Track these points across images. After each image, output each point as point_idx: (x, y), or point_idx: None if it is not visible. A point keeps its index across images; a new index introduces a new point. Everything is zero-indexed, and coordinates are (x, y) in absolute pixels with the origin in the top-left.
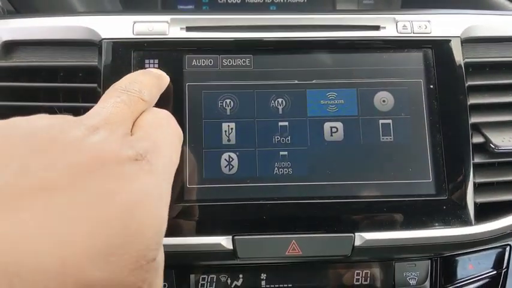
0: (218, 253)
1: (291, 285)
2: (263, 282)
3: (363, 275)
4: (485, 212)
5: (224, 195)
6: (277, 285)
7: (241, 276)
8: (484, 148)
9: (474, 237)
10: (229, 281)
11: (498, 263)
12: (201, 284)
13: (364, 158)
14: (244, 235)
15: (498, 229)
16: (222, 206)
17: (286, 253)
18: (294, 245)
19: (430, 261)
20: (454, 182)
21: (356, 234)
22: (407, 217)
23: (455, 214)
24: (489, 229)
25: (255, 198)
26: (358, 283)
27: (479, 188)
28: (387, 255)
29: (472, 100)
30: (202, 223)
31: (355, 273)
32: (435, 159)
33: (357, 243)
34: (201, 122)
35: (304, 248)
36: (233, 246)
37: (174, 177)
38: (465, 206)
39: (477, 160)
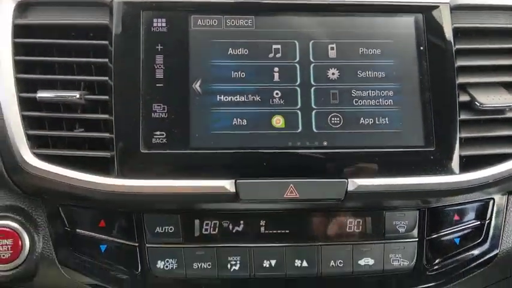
0: (222, 195)
1: (288, 231)
2: (262, 228)
3: (355, 224)
4: (471, 165)
5: (228, 143)
6: (275, 231)
7: (242, 222)
8: (470, 106)
9: (458, 185)
10: (230, 227)
11: (482, 215)
12: (205, 228)
13: (358, 111)
14: (246, 179)
15: (480, 178)
16: (225, 153)
17: (285, 196)
18: (291, 189)
19: (418, 211)
20: (441, 135)
21: (349, 180)
22: (397, 165)
23: (441, 164)
24: (472, 178)
25: (256, 147)
26: (350, 230)
27: (465, 142)
28: (378, 200)
29: (460, 62)
30: (208, 168)
31: (348, 221)
32: (425, 114)
33: (350, 188)
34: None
35: (301, 192)
36: (236, 190)
37: (180, 125)
38: (450, 157)
39: (463, 117)
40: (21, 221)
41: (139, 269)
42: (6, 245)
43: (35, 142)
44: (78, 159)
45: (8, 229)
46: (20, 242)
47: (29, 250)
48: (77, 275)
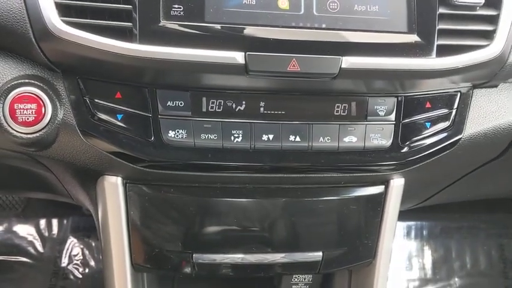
0: (232, 66)
1: (284, 112)
2: (262, 109)
3: (342, 107)
4: (446, 53)
5: (239, 19)
6: (273, 112)
7: (244, 102)
8: (448, 2)
9: (434, 67)
10: (234, 106)
11: (450, 104)
12: (211, 106)
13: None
14: (254, 52)
15: (452, 63)
16: (236, 28)
17: (288, 69)
18: (294, 63)
19: (396, 98)
20: (422, 24)
21: (343, 57)
22: (383, 47)
23: (421, 48)
24: (445, 63)
25: (264, 24)
26: (338, 113)
27: (442, 32)
28: (365, 80)
29: None
30: (220, 41)
31: (336, 105)
32: (409, 6)
33: (344, 65)
34: None
35: (301, 65)
36: (245, 61)
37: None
38: (429, 44)
39: (441, 11)
40: (44, 88)
41: (153, 138)
42: (31, 109)
43: (61, 11)
44: (102, 28)
45: (32, 94)
46: (43, 108)
47: (51, 116)
48: (96, 141)
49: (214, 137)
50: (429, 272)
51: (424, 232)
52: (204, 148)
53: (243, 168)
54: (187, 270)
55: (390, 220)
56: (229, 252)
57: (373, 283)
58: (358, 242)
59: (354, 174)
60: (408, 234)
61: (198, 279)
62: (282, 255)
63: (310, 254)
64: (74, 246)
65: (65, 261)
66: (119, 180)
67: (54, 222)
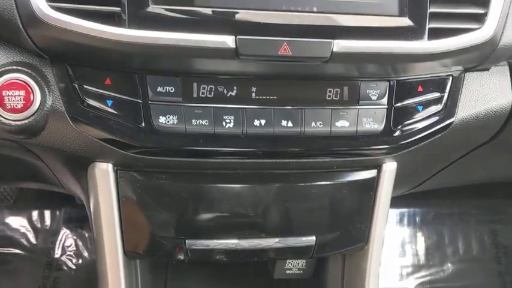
0: (223, 51)
1: (276, 97)
2: (253, 94)
3: (334, 92)
4: (437, 36)
5: (229, 3)
6: (265, 97)
7: (235, 87)
8: None
9: (426, 50)
10: (225, 91)
11: (441, 88)
12: (202, 92)
13: None
14: (245, 36)
15: (444, 46)
16: (227, 12)
17: (279, 52)
18: (285, 46)
19: (388, 82)
20: (413, 8)
21: (335, 41)
22: (375, 30)
23: (412, 31)
24: (437, 46)
25: (254, 7)
26: (329, 98)
27: (434, 16)
28: (357, 64)
29: None
30: (211, 25)
31: (328, 90)
32: None
33: (335, 49)
34: None
35: (292, 49)
36: (235, 45)
37: None
38: (420, 27)
39: None
40: (32, 74)
41: (143, 124)
42: (19, 95)
43: None
44: (90, 13)
45: (20, 81)
46: (31, 94)
47: (40, 102)
48: (85, 127)
49: (206, 122)
50: (422, 258)
51: (417, 219)
52: (196, 134)
53: (235, 153)
54: (181, 256)
55: (383, 204)
56: (222, 238)
57: (366, 267)
58: (351, 227)
59: (347, 159)
60: (401, 221)
61: (191, 265)
62: (276, 240)
63: (304, 238)
64: (67, 237)
65: (58, 253)
66: (109, 167)
67: (47, 213)
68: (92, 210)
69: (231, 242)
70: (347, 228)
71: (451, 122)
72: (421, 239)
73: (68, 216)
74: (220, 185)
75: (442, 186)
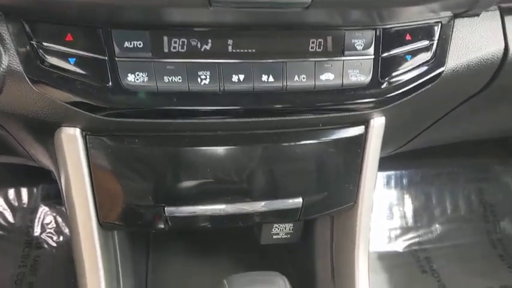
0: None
1: (254, 50)
2: (230, 47)
3: (317, 42)
4: None
5: None
6: (242, 50)
7: (210, 41)
8: None
9: None
10: (199, 45)
11: (430, 36)
12: (173, 46)
13: None
14: None
15: None
16: None
17: None
18: None
19: (374, 31)
20: None
21: None
22: None
23: None
24: None
25: None
26: (312, 50)
27: None
28: (342, 8)
29: None
30: None
31: (311, 40)
32: None
33: None
34: None
35: None
36: None
37: None
38: None
39: None
40: None
41: (110, 83)
42: None
43: None
44: None
45: None
46: None
47: None
48: (47, 89)
49: (179, 79)
50: (410, 220)
51: (404, 180)
52: (168, 92)
53: (212, 113)
54: (160, 225)
55: (371, 162)
56: (203, 204)
57: (355, 228)
58: (338, 186)
59: (333, 115)
60: (388, 183)
61: (175, 235)
62: (261, 203)
63: (290, 200)
64: (46, 215)
65: (37, 231)
66: (77, 131)
67: (24, 191)
68: (62, 181)
69: (213, 208)
70: (335, 188)
71: (441, 72)
72: (408, 200)
73: (45, 193)
74: (199, 147)
75: (431, 145)
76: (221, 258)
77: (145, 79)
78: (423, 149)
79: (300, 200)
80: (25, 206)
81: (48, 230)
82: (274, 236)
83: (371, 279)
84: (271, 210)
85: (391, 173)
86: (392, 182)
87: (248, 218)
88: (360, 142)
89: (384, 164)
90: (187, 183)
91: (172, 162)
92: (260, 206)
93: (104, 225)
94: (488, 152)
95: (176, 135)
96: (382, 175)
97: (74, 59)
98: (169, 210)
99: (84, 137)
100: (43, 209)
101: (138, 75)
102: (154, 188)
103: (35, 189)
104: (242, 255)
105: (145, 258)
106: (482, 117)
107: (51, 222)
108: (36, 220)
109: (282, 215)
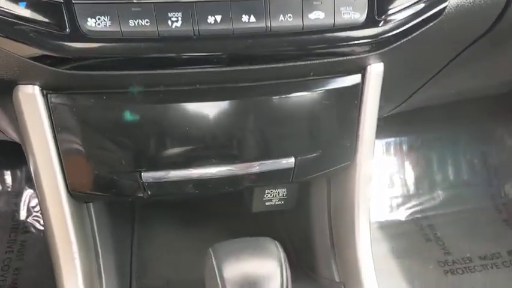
0: None
1: None
2: None
3: None
4: None
5: None
6: None
7: None
8: None
9: None
10: None
11: None
12: None
13: None
14: None
15: None
16: None
17: None
18: None
19: None
20: None
21: None
22: None
23: None
24: None
25: None
26: None
27: None
28: None
29: None
30: None
31: None
32: None
33: None
34: None
35: None
36: None
37: None
38: None
39: None
40: None
41: (68, 29)
42: None
43: None
44: None
45: None
46: None
47: None
48: None
49: (146, 22)
50: (411, 188)
51: (404, 147)
52: (136, 38)
53: (188, 61)
54: (138, 193)
55: (369, 115)
56: (184, 168)
57: (354, 190)
58: (334, 143)
59: (324, 60)
60: (387, 150)
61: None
62: (248, 165)
63: (280, 161)
64: (31, 198)
65: (23, 215)
66: (36, 89)
67: (7, 174)
68: (25, 148)
69: (196, 172)
70: (330, 146)
71: (444, 7)
72: (409, 167)
73: (30, 175)
74: (176, 104)
75: (430, 104)
76: (212, 231)
77: (108, 24)
78: (422, 113)
79: (292, 159)
80: (9, 189)
81: (34, 214)
82: (267, 203)
83: (373, 250)
84: (260, 172)
85: (390, 139)
86: (392, 149)
87: (235, 182)
88: (356, 93)
89: (382, 130)
90: (165, 145)
91: (146, 121)
92: (247, 167)
93: (74, 194)
94: (489, 113)
95: (149, 90)
96: (381, 142)
97: (25, 3)
98: (146, 175)
99: (45, 96)
100: (28, 192)
101: (99, 19)
102: (127, 151)
103: (18, 172)
104: (234, 226)
105: (129, 232)
106: (488, 67)
107: (37, 205)
108: (22, 204)
109: (272, 177)
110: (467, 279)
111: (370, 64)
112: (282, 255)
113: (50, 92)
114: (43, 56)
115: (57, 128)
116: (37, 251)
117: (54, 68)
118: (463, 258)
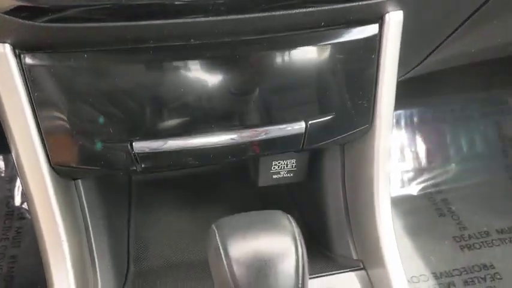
0: None
1: None
2: None
3: None
4: None
5: None
6: None
7: None
8: None
9: None
10: None
11: None
12: None
13: None
14: None
15: None
16: None
17: None
18: None
19: None
20: None
21: None
22: None
23: None
24: None
25: None
26: None
27: None
28: None
29: None
30: None
31: None
32: None
33: None
34: None
35: None
36: None
37: None
38: None
39: None
40: None
41: None
42: None
43: None
44: None
45: None
46: None
47: None
48: None
49: None
50: (423, 162)
51: (415, 119)
52: None
53: (177, 9)
54: (129, 166)
55: (389, 71)
56: (181, 135)
57: (372, 157)
58: (349, 104)
59: (336, 6)
60: (398, 123)
61: (160, 183)
62: (252, 131)
63: (289, 126)
64: None
65: (18, 200)
66: (7, 48)
67: None
68: (1, 117)
69: (193, 141)
70: (344, 107)
71: None
72: (420, 140)
73: None
74: (168, 62)
75: (449, 65)
76: (215, 209)
77: None
78: (433, 83)
79: (302, 124)
80: (2, 175)
81: None
82: (274, 176)
83: None
84: (266, 139)
85: (400, 111)
86: (402, 122)
87: (239, 152)
88: (373, 46)
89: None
90: (158, 110)
91: (135, 83)
92: (252, 134)
93: (58, 170)
94: (503, 82)
95: (137, 47)
96: None
97: None
98: (138, 146)
99: (18, 56)
100: None
101: None
102: (115, 118)
103: (11, 157)
104: (239, 204)
105: (126, 212)
106: (505, 25)
107: None
108: (16, 189)
109: (281, 145)
110: (485, 253)
111: (388, 12)
112: (296, 230)
113: (24, 51)
114: (18, 7)
115: (34, 93)
116: (33, 238)
117: (23, 21)
118: (479, 233)
